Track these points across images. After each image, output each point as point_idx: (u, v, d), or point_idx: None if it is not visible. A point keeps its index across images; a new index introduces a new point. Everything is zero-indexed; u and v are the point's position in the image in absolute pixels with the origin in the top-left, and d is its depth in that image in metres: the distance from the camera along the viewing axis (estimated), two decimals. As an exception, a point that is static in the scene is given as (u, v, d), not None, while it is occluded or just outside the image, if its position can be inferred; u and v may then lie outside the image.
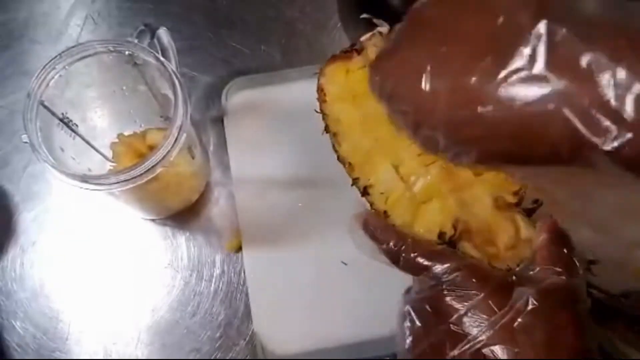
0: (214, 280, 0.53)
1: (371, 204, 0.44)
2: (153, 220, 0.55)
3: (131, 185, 0.41)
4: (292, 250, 0.52)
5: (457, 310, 0.35)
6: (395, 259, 0.39)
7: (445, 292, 0.36)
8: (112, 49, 0.43)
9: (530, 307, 0.33)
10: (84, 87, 0.47)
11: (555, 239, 0.38)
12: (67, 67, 0.43)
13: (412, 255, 0.39)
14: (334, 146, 0.49)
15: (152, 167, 0.41)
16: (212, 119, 0.58)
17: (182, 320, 0.52)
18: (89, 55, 0.43)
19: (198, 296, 0.52)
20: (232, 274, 0.53)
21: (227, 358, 0.51)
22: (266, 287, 0.51)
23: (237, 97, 0.58)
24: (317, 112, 0.50)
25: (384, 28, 0.50)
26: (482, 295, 0.34)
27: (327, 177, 0.53)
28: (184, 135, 0.42)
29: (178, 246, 0.54)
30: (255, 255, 0.53)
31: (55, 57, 0.42)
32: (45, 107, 0.42)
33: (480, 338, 0.33)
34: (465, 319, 0.34)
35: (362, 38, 0.51)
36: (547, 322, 0.32)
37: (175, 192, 0.52)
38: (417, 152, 0.46)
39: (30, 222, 0.55)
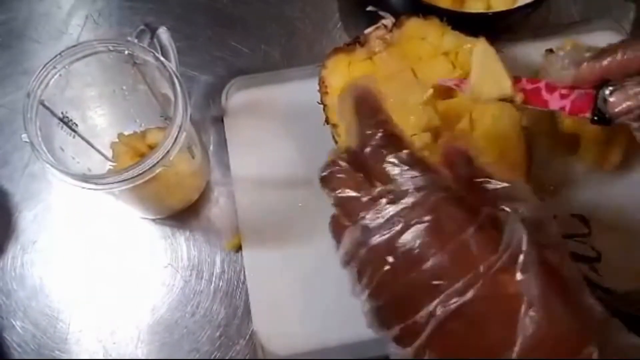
0: (213, 279, 0.53)
1: None
2: (153, 219, 0.55)
3: (131, 185, 0.41)
4: (292, 250, 0.52)
5: (432, 252, 0.28)
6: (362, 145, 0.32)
7: (415, 224, 0.28)
8: (111, 48, 0.43)
9: (523, 249, 0.27)
10: (84, 86, 0.47)
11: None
12: (67, 66, 0.43)
13: (381, 148, 0.31)
14: (334, 137, 0.49)
15: (152, 166, 0.41)
16: (212, 118, 0.58)
17: (181, 320, 0.52)
18: (89, 55, 0.43)
19: (198, 295, 0.52)
20: (232, 274, 0.53)
21: (227, 357, 0.51)
22: (266, 287, 0.51)
23: (237, 97, 0.58)
24: (318, 103, 0.50)
25: (387, 21, 0.51)
26: (469, 232, 0.28)
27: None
28: (184, 135, 0.42)
29: (178, 245, 0.54)
30: (255, 255, 0.52)
31: (56, 56, 0.42)
32: (45, 106, 0.42)
33: (466, 291, 0.27)
34: (443, 265, 0.28)
35: (367, 30, 0.51)
36: (544, 265, 0.27)
37: (175, 192, 0.52)
38: (417, 144, 0.47)
39: (30, 221, 0.55)
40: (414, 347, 0.28)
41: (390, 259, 0.29)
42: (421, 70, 0.49)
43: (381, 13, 0.51)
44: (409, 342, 0.29)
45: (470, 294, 0.27)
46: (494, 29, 0.53)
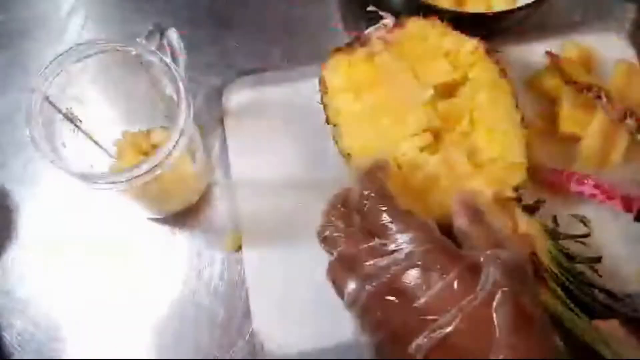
0: (213, 279, 0.53)
1: None
2: (153, 219, 0.55)
3: (131, 186, 0.41)
4: (292, 250, 0.52)
5: (422, 292, 0.33)
6: (360, 206, 0.39)
7: (408, 270, 0.34)
8: (119, 48, 0.43)
9: (498, 289, 0.32)
10: (89, 84, 0.47)
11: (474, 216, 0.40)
12: (73, 64, 0.43)
13: (378, 206, 0.37)
14: (334, 137, 0.49)
15: (153, 168, 0.41)
16: (213, 119, 0.58)
17: (181, 320, 0.52)
18: (96, 54, 0.43)
19: (198, 295, 0.52)
20: (232, 274, 0.53)
21: (227, 357, 0.51)
22: (266, 287, 0.51)
23: (237, 97, 0.58)
24: (318, 103, 0.50)
25: (388, 21, 0.51)
26: (452, 275, 0.33)
27: (327, 177, 0.53)
28: (185, 138, 0.42)
29: (178, 245, 0.54)
30: (255, 255, 0.52)
31: (62, 54, 0.43)
32: (49, 102, 0.43)
33: (449, 324, 0.32)
34: (430, 303, 0.33)
35: (367, 30, 0.51)
36: (514, 303, 0.32)
37: (176, 193, 0.52)
38: (418, 144, 0.47)
39: (30, 221, 0.55)
40: None
41: (387, 298, 0.34)
42: (421, 71, 0.49)
43: (382, 13, 0.51)
44: None
45: (451, 327, 0.32)
46: (494, 29, 0.53)
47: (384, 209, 0.37)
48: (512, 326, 0.31)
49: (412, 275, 0.34)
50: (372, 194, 0.39)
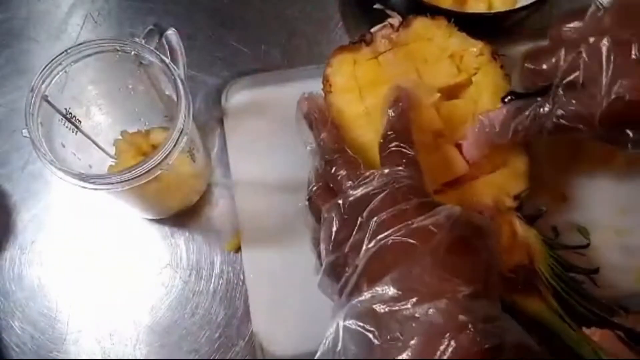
0: (213, 280, 0.53)
1: None
2: (153, 219, 0.55)
3: (130, 186, 0.41)
4: (291, 250, 0.52)
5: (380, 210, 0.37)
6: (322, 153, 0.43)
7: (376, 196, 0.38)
8: (118, 48, 0.43)
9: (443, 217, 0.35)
10: (89, 84, 0.47)
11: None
12: (72, 63, 0.43)
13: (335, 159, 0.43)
14: None
15: (152, 168, 0.40)
16: (213, 120, 0.58)
17: (181, 320, 0.51)
18: (95, 54, 0.43)
19: (197, 296, 0.52)
20: (232, 274, 0.53)
21: (226, 358, 0.50)
22: (265, 287, 0.51)
23: (237, 97, 0.57)
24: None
25: (394, 20, 0.50)
26: (411, 203, 0.37)
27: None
28: (185, 138, 0.42)
29: (177, 246, 0.54)
30: (255, 256, 0.52)
31: (61, 53, 0.42)
32: (48, 102, 0.42)
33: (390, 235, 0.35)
34: (384, 219, 0.36)
35: (373, 29, 0.51)
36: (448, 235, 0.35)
37: (175, 193, 0.52)
38: (419, 145, 0.46)
39: (29, 221, 0.54)
40: (346, 276, 0.37)
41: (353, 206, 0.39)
42: (426, 72, 0.49)
43: (388, 12, 0.51)
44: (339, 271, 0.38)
45: (393, 236, 0.35)
46: (495, 29, 0.53)
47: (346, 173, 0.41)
48: (439, 252, 0.34)
49: (375, 198, 0.38)
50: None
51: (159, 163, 0.41)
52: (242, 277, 0.52)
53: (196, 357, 0.51)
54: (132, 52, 0.43)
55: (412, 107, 0.44)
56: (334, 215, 0.39)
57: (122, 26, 0.62)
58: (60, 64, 0.42)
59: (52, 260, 0.53)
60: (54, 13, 0.62)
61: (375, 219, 0.37)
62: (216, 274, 0.53)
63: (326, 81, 0.50)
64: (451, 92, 0.49)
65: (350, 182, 0.40)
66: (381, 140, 0.42)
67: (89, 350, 0.51)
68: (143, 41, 0.45)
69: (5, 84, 0.59)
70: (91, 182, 0.40)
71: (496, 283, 0.35)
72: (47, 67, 0.42)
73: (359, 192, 0.39)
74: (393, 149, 0.41)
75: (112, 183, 0.40)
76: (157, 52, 0.43)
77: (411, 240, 0.35)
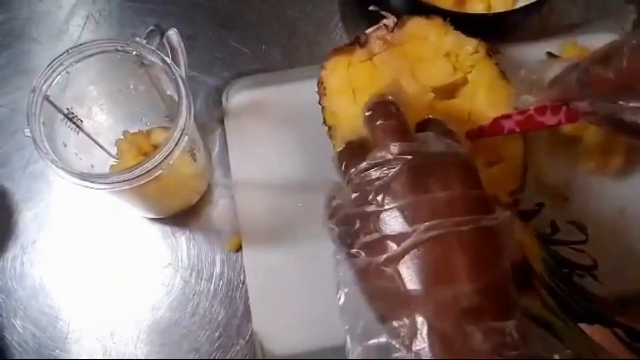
0: (213, 279, 0.53)
1: None
2: (153, 219, 0.55)
3: (131, 186, 0.41)
4: (292, 250, 0.52)
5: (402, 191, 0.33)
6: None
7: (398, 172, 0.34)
8: (119, 48, 0.43)
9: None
10: (90, 84, 0.47)
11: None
12: (74, 63, 0.43)
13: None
14: (330, 139, 0.49)
15: (153, 168, 0.41)
16: (214, 120, 0.58)
17: (181, 320, 0.52)
18: (96, 54, 0.43)
19: (198, 296, 0.52)
20: (232, 274, 0.53)
21: (227, 358, 0.51)
22: (266, 287, 0.51)
23: (237, 98, 0.58)
24: (319, 104, 0.50)
25: (389, 21, 0.50)
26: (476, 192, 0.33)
27: (327, 177, 0.53)
28: (186, 138, 0.42)
29: (178, 245, 0.54)
30: (255, 255, 0.52)
31: (63, 53, 0.43)
32: (50, 102, 0.43)
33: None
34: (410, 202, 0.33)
35: (368, 30, 0.51)
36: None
37: (176, 193, 0.52)
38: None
39: (30, 221, 0.55)
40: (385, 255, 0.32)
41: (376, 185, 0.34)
42: (421, 72, 0.49)
43: (383, 13, 0.51)
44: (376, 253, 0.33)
45: (430, 234, 0.31)
46: (494, 30, 0.53)
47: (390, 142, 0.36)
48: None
49: (399, 175, 0.34)
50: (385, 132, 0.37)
51: (160, 163, 0.41)
52: (242, 277, 0.52)
53: (196, 357, 0.51)
54: (134, 53, 0.43)
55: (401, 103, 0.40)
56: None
57: (123, 26, 0.62)
58: (61, 64, 0.43)
59: (53, 259, 0.54)
60: (55, 13, 0.63)
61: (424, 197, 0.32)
62: (217, 273, 0.53)
63: (320, 84, 0.50)
64: (447, 91, 0.49)
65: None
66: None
67: (90, 349, 0.51)
68: (144, 41, 0.45)
69: (6, 84, 0.59)
70: (92, 182, 0.40)
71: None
72: (49, 67, 0.42)
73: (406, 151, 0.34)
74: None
75: (114, 183, 0.40)
76: (158, 53, 0.43)
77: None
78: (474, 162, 0.36)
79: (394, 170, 0.34)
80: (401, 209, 0.33)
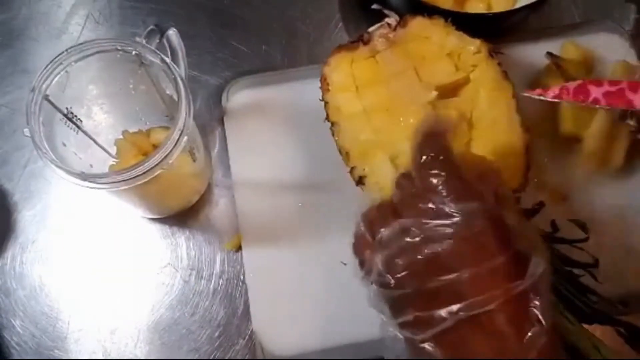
0: (213, 279, 0.53)
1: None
2: (153, 219, 0.55)
3: (130, 186, 0.41)
4: (291, 250, 0.52)
5: (463, 266, 0.32)
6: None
7: (453, 239, 0.32)
8: (119, 48, 0.43)
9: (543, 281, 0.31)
10: (90, 83, 0.47)
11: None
12: (73, 63, 0.43)
13: (433, 171, 0.34)
14: (333, 135, 0.49)
15: (152, 168, 0.41)
16: (214, 120, 0.58)
17: (181, 320, 0.52)
18: (96, 53, 0.43)
19: (197, 295, 0.52)
20: (232, 274, 0.53)
21: (226, 357, 0.51)
22: (265, 287, 0.51)
23: (237, 97, 0.58)
24: (320, 100, 0.50)
25: (392, 20, 0.50)
26: (500, 260, 0.31)
27: (327, 177, 0.53)
28: (185, 137, 0.42)
29: (178, 245, 0.54)
30: (255, 255, 0.52)
31: (62, 53, 0.42)
32: (49, 101, 0.43)
33: (489, 303, 0.31)
34: (470, 279, 0.31)
35: (371, 28, 0.51)
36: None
37: (175, 193, 0.52)
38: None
39: (30, 220, 0.55)
40: (426, 334, 0.32)
41: (426, 254, 0.32)
42: (424, 71, 0.49)
43: (386, 12, 0.51)
44: (418, 330, 0.32)
45: (492, 306, 0.30)
46: (494, 30, 0.53)
47: (438, 173, 0.34)
48: (552, 324, 0.31)
49: (460, 244, 0.32)
50: (431, 161, 0.35)
51: (159, 162, 0.41)
52: (242, 277, 0.52)
53: (196, 356, 0.51)
54: (133, 52, 0.43)
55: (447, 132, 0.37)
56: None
57: (123, 26, 0.62)
58: (61, 63, 0.43)
59: (53, 259, 0.53)
60: (55, 13, 0.63)
61: (465, 276, 0.31)
62: (216, 273, 0.53)
63: (324, 80, 0.50)
64: (449, 90, 0.49)
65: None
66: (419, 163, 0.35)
67: (89, 349, 0.51)
68: (144, 41, 0.45)
69: (6, 84, 0.59)
70: (92, 182, 0.40)
71: None
72: (49, 67, 0.42)
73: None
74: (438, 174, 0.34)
75: (113, 182, 0.40)
76: (158, 52, 0.43)
77: (514, 312, 0.31)
78: (502, 217, 0.34)
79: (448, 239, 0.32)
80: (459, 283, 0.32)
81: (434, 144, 0.36)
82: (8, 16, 0.62)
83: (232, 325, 0.51)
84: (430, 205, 0.33)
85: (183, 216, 0.54)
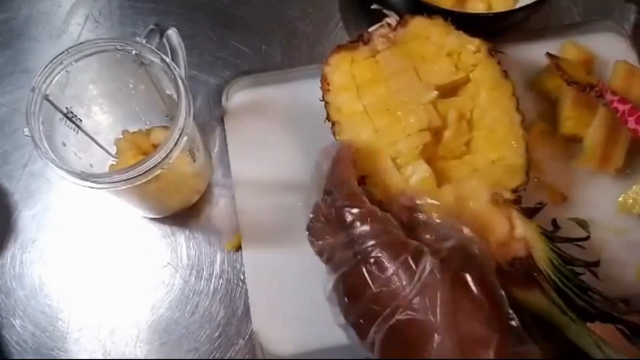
0: (213, 279, 0.53)
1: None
2: (153, 218, 0.55)
3: (130, 185, 0.41)
4: (291, 250, 0.52)
5: (376, 282, 0.37)
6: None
7: (367, 261, 0.37)
8: (119, 47, 0.43)
9: (428, 273, 0.36)
10: (90, 83, 0.47)
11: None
12: (73, 63, 0.43)
13: (341, 202, 0.40)
14: (334, 135, 0.49)
15: (152, 168, 0.41)
16: (214, 119, 0.58)
17: (181, 319, 0.52)
18: (96, 53, 0.43)
19: (197, 295, 0.52)
20: (232, 273, 0.53)
21: (226, 357, 0.51)
22: (265, 287, 0.51)
23: (237, 97, 0.58)
24: (320, 100, 0.50)
25: (392, 19, 0.51)
26: (396, 264, 0.37)
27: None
28: (185, 137, 0.42)
29: (178, 245, 0.54)
30: (255, 255, 0.52)
31: (62, 53, 0.42)
32: (49, 101, 0.43)
33: (391, 316, 0.35)
34: (381, 293, 0.36)
35: (371, 28, 0.51)
36: (446, 286, 0.36)
37: (175, 192, 0.52)
38: (416, 146, 0.47)
39: (30, 220, 0.55)
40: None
41: (353, 287, 0.39)
42: (424, 70, 0.49)
43: (386, 12, 0.51)
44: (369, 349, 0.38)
45: (393, 320, 0.35)
46: (494, 29, 0.53)
47: (345, 204, 0.40)
48: (448, 312, 0.35)
49: (368, 267, 0.37)
50: (335, 191, 0.42)
51: (159, 162, 0.41)
52: (242, 277, 0.52)
53: (196, 356, 0.51)
54: (133, 52, 0.43)
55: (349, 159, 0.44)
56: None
57: (123, 26, 0.62)
58: (61, 63, 0.43)
59: (53, 258, 0.54)
60: (55, 13, 0.63)
61: (371, 295, 0.37)
62: (216, 273, 0.53)
63: (324, 80, 0.50)
64: (449, 90, 0.49)
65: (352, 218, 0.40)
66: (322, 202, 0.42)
67: (89, 348, 0.51)
68: (144, 41, 0.45)
69: (6, 83, 0.59)
70: (92, 181, 0.40)
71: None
72: (49, 67, 0.42)
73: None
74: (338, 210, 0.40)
75: (113, 182, 0.40)
76: (158, 52, 0.43)
77: (419, 317, 0.35)
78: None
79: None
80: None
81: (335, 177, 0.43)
82: (8, 16, 0.62)
83: (232, 325, 0.51)
84: (342, 235, 0.40)
85: (183, 216, 0.55)
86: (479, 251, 0.39)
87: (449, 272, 0.36)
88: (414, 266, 0.36)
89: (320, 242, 0.41)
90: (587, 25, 0.60)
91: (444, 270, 0.36)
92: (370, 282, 0.37)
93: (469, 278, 0.36)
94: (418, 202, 0.44)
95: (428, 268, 0.36)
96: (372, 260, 0.37)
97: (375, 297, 0.36)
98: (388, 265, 0.37)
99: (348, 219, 0.40)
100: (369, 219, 0.39)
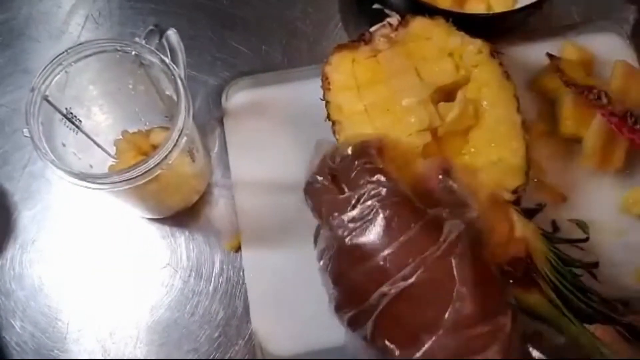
0: (213, 279, 0.53)
1: None
2: (152, 219, 0.55)
3: (130, 186, 0.41)
4: (291, 250, 0.52)
5: (385, 245, 0.35)
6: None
7: (373, 224, 0.35)
8: (119, 48, 0.43)
9: (459, 241, 0.34)
10: (90, 84, 0.47)
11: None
12: (73, 63, 0.43)
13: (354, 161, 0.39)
14: (334, 134, 0.49)
15: (151, 168, 0.41)
16: (214, 120, 0.58)
17: (180, 320, 0.52)
18: (95, 54, 0.44)
19: (197, 295, 0.52)
20: (231, 274, 0.53)
21: (226, 358, 0.51)
22: (265, 287, 0.51)
23: (237, 97, 0.58)
24: (321, 99, 0.50)
25: (393, 19, 0.51)
26: (415, 228, 0.35)
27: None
28: (185, 138, 0.42)
29: (177, 245, 0.54)
30: (255, 255, 0.52)
31: (62, 53, 0.43)
32: (48, 101, 0.43)
33: (411, 275, 0.33)
34: (393, 255, 0.34)
35: (372, 28, 0.51)
36: (474, 256, 0.34)
37: (175, 193, 0.52)
38: (416, 146, 0.47)
39: (30, 220, 0.55)
40: (365, 327, 0.35)
41: (350, 252, 0.36)
42: (425, 71, 0.49)
43: (387, 11, 0.51)
44: (360, 323, 0.35)
45: (413, 278, 0.33)
46: (494, 30, 0.53)
47: (357, 162, 0.39)
48: (472, 277, 0.33)
49: (376, 230, 0.35)
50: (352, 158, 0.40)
51: (159, 163, 0.41)
52: (241, 277, 0.52)
53: (196, 356, 0.51)
54: (133, 52, 0.43)
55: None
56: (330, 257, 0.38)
57: (122, 26, 0.62)
58: (60, 63, 0.43)
59: (52, 259, 0.54)
60: (55, 13, 0.63)
61: (383, 256, 0.35)
62: (216, 273, 0.53)
63: (325, 78, 0.50)
64: (451, 91, 0.49)
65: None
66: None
67: (89, 349, 0.51)
68: (143, 41, 0.45)
69: (6, 84, 0.59)
70: (91, 182, 0.40)
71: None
72: (48, 67, 0.42)
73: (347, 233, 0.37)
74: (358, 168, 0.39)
75: (113, 183, 0.40)
76: (158, 52, 0.43)
77: (435, 277, 0.33)
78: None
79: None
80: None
81: (362, 155, 0.41)
82: (8, 16, 0.62)
83: (232, 325, 0.51)
84: (348, 194, 0.37)
85: (183, 216, 0.55)
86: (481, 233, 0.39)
87: (469, 240, 0.35)
88: (432, 232, 0.35)
89: (322, 198, 0.40)
90: (587, 25, 0.60)
91: (466, 236, 0.35)
92: (378, 246, 0.35)
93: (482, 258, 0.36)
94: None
95: (454, 232, 0.35)
96: (388, 214, 0.35)
97: (388, 260, 0.34)
98: (402, 229, 0.35)
99: (367, 174, 0.38)
100: (388, 177, 0.38)
